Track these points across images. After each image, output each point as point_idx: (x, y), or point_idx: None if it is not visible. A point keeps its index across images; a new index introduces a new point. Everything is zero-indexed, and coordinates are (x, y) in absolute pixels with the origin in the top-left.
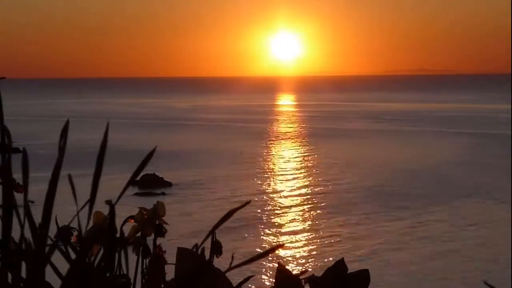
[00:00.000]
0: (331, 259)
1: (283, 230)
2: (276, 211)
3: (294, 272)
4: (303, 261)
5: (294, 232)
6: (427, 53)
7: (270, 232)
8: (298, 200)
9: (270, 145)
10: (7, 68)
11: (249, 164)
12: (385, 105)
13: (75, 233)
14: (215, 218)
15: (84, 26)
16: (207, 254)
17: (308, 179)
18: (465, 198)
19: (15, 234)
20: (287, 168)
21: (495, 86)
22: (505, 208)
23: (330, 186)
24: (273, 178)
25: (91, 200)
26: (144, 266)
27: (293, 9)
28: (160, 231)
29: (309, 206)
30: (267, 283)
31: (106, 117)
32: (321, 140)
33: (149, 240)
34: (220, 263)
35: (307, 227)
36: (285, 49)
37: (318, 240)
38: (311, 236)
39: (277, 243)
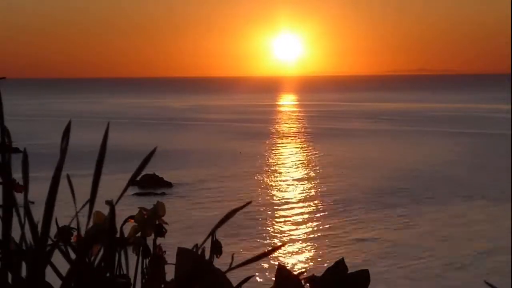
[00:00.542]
0: (331, 259)
1: (283, 230)
2: (276, 211)
3: (294, 272)
4: (304, 261)
5: (295, 232)
6: (428, 53)
7: (270, 232)
8: (298, 199)
9: (270, 145)
10: (7, 68)
11: (249, 164)
12: (385, 105)
13: (75, 233)
14: (215, 218)
15: (84, 26)
16: (207, 254)
17: (308, 178)
18: (463, 197)
19: (15, 234)
20: (287, 167)
21: (495, 86)
22: (502, 206)
23: (330, 186)
24: (273, 178)
25: (91, 200)
26: (144, 266)
27: (295, 9)
28: (160, 231)
29: (309, 205)
30: (267, 283)
31: (107, 117)
32: (321, 140)
33: (149, 240)
34: (220, 263)
35: (308, 227)
36: (287, 49)
37: (319, 240)
38: (312, 236)
39: (278, 243)
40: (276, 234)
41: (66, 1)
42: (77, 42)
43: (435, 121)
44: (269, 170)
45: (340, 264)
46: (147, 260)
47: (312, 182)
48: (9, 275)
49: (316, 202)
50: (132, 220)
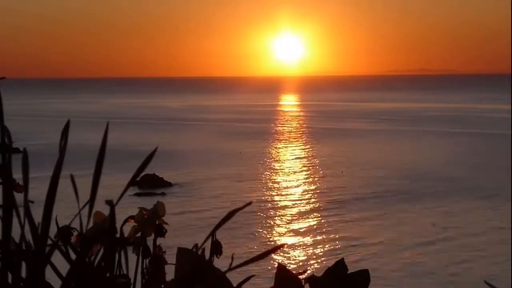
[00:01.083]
0: (332, 258)
1: (283, 230)
2: (276, 211)
3: (294, 272)
4: (304, 260)
5: (295, 232)
6: (428, 53)
7: (270, 231)
8: (299, 199)
9: (270, 145)
10: (7, 68)
11: (249, 163)
12: (386, 104)
13: (75, 233)
14: (215, 217)
15: (84, 26)
16: (207, 254)
17: (308, 178)
18: (462, 196)
19: (15, 234)
20: (287, 167)
21: (495, 86)
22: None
23: (330, 185)
24: (273, 177)
25: (91, 200)
26: (144, 266)
27: (296, 10)
28: (160, 231)
29: (309, 205)
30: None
31: (107, 117)
32: (321, 139)
33: (149, 240)
34: (220, 263)
35: (308, 227)
36: (288, 50)
37: (319, 240)
38: (312, 235)
39: (278, 243)
40: (276, 234)
41: (66, 1)
42: (78, 43)
43: (435, 121)
44: (269, 170)
45: (340, 264)
46: (147, 260)
47: (312, 182)
48: (9, 275)
49: (315, 201)
50: (132, 220)
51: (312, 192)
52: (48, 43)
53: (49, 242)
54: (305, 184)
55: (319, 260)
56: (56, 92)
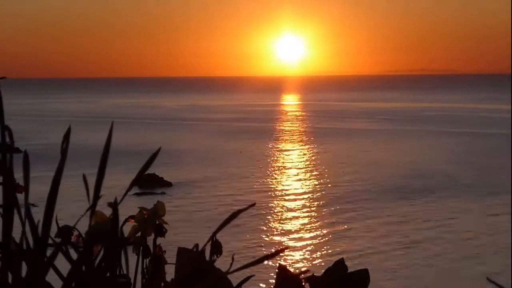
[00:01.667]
0: (332, 258)
1: (284, 230)
2: (276, 210)
3: (295, 272)
4: (304, 260)
5: (296, 231)
6: (429, 53)
7: (271, 231)
8: (299, 198)
9: (271, 145)
10: (7, 68)
11: (250, 163)
12: (386, 104)
13: (75, 233)
14: (216, 217)
15: (84, 26)
16: (207, 254)
17: (308, 177)
18: (460, 194)
19: (16, 234)
20: (287, 167)
21: (495, 86)
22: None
23: (330, 185)
24: (273, 177)
25: (94, 201)
26: (144, 266)
27: (297, 11)
28: (160, 231)
29: (309, 204)
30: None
31: (108, 116)
32: (322, 139)
33: (149, 240)
34: (220, 263)
35: (309, 226)
36: (289, 50)
37: (320, 240)
38: (312, 235)
39: (279, 243)
40: (276, 233)
41: (66, 1)
42: (78, 43)
43: (435, 121)
44: (270, 170)
45: (340, 264)
46: (147, 260)
47: (312, 181)
48: (9, 275)
49: (315, 200)
50: (132, 220)
51: (312, 191)
52: (48, 43)
53: (50, 242)
54: (305, 183)
55: (320, 260)
56: (56, 92)
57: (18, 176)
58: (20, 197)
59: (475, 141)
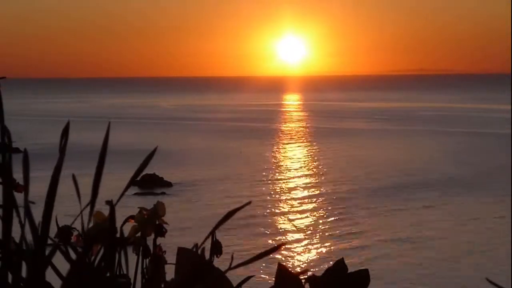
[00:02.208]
0: (332, 258)
1: (283, 229)
2: (276, 210)
3: (294, 272)
4: (304, 260)
5: (295, 231)
6: (428, 53)
7: (270, 231)
8: (299, 198)
9: (271, 144)
10: (7, 68)
11: (250, 163)
12: (387, 104)
13: (75, 233)
14: (215, 217)
15: (84, 27)
16: (207, 254)
17: (308, 177)
18: (459, 193)
19: (16, 234)
20: (287, 166)
21: (495, 86)
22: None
23: (330, 184)
24: (273, 176)
25: (92, 200)
26: (144, 266)
27: (297, 12)
28: (160, 231)
29: (309, 204)
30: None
31: (108, 116)
32: (320, 139)
33: (149, 240)
34: (220, 263)
35: (308, 225)
36: (291, 51)
37: (319, 239)
38: (312, 235)
39: (278, 242)
40: (276, 233)
41: (66, 1)
42: (78, 43)
43: (435, 121)
44: (269, 169)
45: (340, 264)
46: (147, 260)
47: (312, 181)
48: (9, 275)
49: (315, 200)
50: (132, 220)
51: (312, 191)
52: (48, 44)
53: (49, 242)
54: (305, 183)
55: (320, 259)
56: (56, 92)
57: (18, 176)
58: (20, 197)
59: (474, 141)
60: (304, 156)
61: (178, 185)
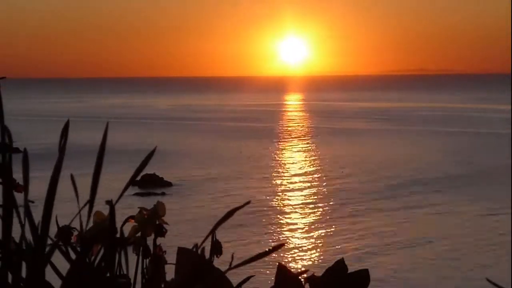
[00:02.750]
0: (332, 258)
1: (283, 229)
2: (276, 210)
3: (294, 271)
4: (304, 260)
5: (294, 231)
6: (428, 53)
7: (270, 231)
8: (298, 198)
9: (271, 144)
10: (7, 68)
11: (250, 163)
12: (387, 104)
13: (75, 233)
14: (215, 217)
15: (84, 27)
16: (207, 254)
17: (308, 176)
18: (458, 194)
19: (16, 234)
20: (287, 166)
21: (495, 86)
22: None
23: (330, 184)
24: (273, 176)
25: (91, 200)
26: (144, 266)
27: (299, 12)
28: (160, 231)
29: (309, 204)
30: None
31: (108, 116)
32: (321, 139)
33: (149, 240)
34: (220, 263)
35: (307, 226)
36: (292, 52)
37: (319, 239)
38: (312, 235)
39: (278, 241)
40: (276, 233)
41: (66, 2)
42: (78, 43)
43: (435, 121)
44: (269, 169)
45: (340, 264)
46: (147, 260)
47: (312, 181)
48: (9, 275)
49: (315, 200)
50: (132, 220)
51: (312, 191)
52: (48, 44)
53: (49, 242)
54: (305, 183)
55: (319, 259)
56: (55, 92)
57: (18, 176)
58: (20, 196)
59: (474, 141)
60: (304, 156)
61: (178, 185)
